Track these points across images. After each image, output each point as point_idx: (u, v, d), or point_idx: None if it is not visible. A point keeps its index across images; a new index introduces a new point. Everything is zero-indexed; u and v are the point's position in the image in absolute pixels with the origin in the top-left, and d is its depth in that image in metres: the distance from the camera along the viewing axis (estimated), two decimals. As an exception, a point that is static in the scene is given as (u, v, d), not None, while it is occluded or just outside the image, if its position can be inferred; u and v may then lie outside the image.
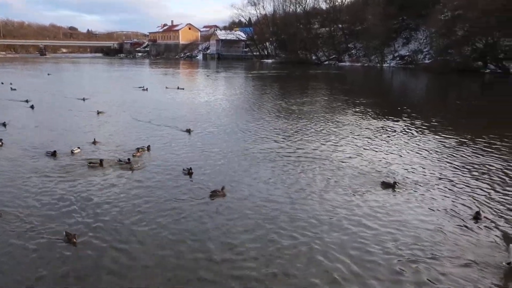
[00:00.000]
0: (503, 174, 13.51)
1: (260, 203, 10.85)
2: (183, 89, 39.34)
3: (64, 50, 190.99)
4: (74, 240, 8.68)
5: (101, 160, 14.00)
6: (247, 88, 44.63)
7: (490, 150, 16.62)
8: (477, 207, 10.58)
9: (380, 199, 11.20)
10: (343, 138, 18.61)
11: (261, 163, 14.43)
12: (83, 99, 30.34)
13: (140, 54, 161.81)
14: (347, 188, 11.98)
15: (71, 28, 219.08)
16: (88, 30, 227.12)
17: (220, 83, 50.26)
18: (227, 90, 41.33)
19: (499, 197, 11.41)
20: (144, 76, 61.33)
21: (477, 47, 64.85)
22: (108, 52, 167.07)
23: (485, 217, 9.95)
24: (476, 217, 9.79)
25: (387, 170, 13.71)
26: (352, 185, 12.24)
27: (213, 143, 17.30)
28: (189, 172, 12.88)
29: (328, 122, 22.51)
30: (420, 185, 12.31)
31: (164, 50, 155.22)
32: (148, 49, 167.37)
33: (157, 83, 43.45)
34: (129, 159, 14.20)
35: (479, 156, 15.73)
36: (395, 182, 11.95)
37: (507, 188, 12.14)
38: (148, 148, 16.02)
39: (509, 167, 14.22)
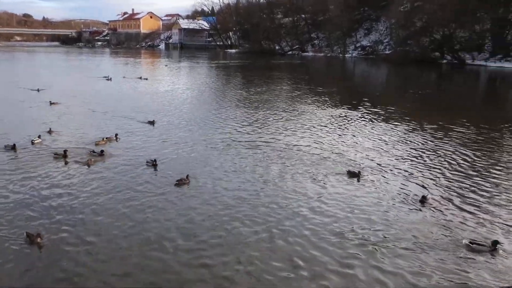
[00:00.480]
0: (452, 159, 14.28)
1: (222, 191, 11.05)
2: (146, 79, 38.73)
3: (18, 38, 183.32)
4: (38, 240, 8.17)
5: (65, 151, 13.63)
6: (210, 78, 44.54)
7: (443, 136, 17.47)
8: (425, 191, 11.17)
9: (338, 185, 11.63)
10: (302, 126, 19.01)
11: (223, 152, 14.61)
12: (37, 90, 29.34)
13: (99, 43, 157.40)
14: (306, 175, 12.36)
15: (25, 15, 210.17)
16: (43, 17, 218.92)
17: (183, 73, 49.86)
18: (190, 80, 41.11)
19: (448, 181, 12.09)
20: (104, 65, 59.86)
21: (435, 38, 67.09)
22: (66, 41, 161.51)
23: (432, 198, 10.54)
24: (423, 200, 10.35)
25: (344, 157, 14.19)
26: (311, 172, 12.63)
27: (176, 134, 17.30)
28: (153, 164, 12.84)
29: (289, 111, 22.88)
30: (375, 171, 12.85)
31: (125, 39, 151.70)
32: (108, 38, 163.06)
33: (119, 73, 42.54)
34: (102, 151, 13.95)
35: (432, 142, 16.52)
36: (359, 172, 12.24)
37: (456, 173, 12.87)
38: (116, 137, 15.97)
39: (458, 152, 15.03)
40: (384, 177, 12.41)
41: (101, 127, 18.15)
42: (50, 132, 16.70)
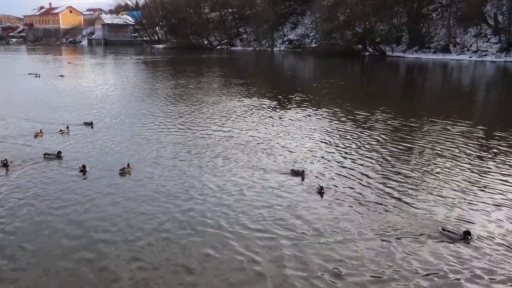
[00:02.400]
0: (370, 145, 14.91)
1: (159, 186, 10.70)
2: (62, 76, 37.14)
3: None
4: None
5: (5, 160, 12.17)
6: (137, 74, 43.18)
7: (365, 124, 18.19)
8: (320, 183, 11.21)
9: (269, 179, 11.67)
10: (232, 120, 18.96)
11: (154, 148, 14.16)
12: None
13: (14, 40, 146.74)
14: (228, 168, 12.28)
15: None
16: None
17: (109, 70, 47.88)
18: (119, 77, 39.54)
19: (364, 167, 12.59)
20: (22, 64, 56.00)
21: (357, 32, 69.96)
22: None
23: (327, 188, 10.77)
24: (320, 191, 10.45)
25: (260, 145, 14.32)
26: (231, 166, 12.58)
27: (117, 134, 16.38)
28: (82, 170, 11.82)
29: (216, 103, 22.73)
30: (297, 162, 13.07)
31: (43, 35, 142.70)
32: (24, 34, 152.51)
33: (41, 71, 39.80)
34: (59, 152, 12.99)
35: (353, 129, 17.15)
36: (303, 171, 11.79)
37: (380, 160, 13.44)
38: (68, 129, 16.13)
39: (376, 137, 15.73)
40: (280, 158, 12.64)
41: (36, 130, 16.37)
42: None
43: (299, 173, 11.73)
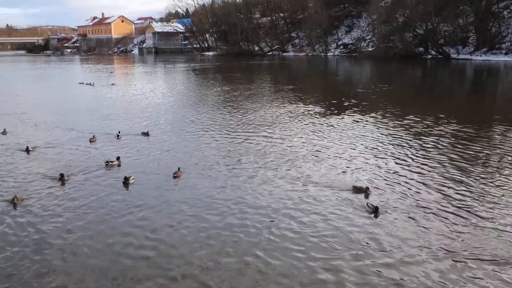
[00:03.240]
0: (432, 156, 14.19)
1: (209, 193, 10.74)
2: (113, 84, 38.97)
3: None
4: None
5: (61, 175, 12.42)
6: (188, 82, 44.27)
7: (427, 133, 17.41)
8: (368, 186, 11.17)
9: (326, 194, 11.38)
10: (283, 128, 18.78)
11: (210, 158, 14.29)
12: None
13: (69, 50, 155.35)
14: (285, 176, 12.08)
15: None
16: (7, 25, 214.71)
17: (159, 78, 49.32)
18: (168, 85, 40.57)
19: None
20: (76, 73, 59.03)
21: (418, 33, 67.97)
22: (32, 49, 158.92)
23: (385, 205, 10.30)
24: (373, 211, 9.74)
25: (324, 156, 14.00)
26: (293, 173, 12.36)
27: (168, 142, 16.69)
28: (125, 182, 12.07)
29: (272, 112, 22.62)
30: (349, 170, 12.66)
31: (95, 45, 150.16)
32: (77, 44, 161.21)
33: (93, 80, 41.84)
34: (118, 158, 13.86)
35: (424, 139, 16.45)
36: (367, 188, 11.04)
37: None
38: (120, 133, 17.25)
39: (439, 148, 14.97)
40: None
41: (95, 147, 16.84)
42: (27, 150, 15.23)
43: (362, 190, 10.96)
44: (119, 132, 17.68)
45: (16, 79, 50.29)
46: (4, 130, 18.78)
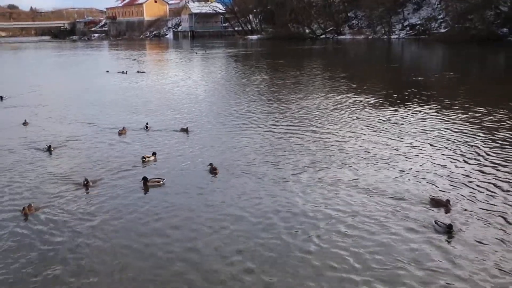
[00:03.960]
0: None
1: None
2: (143, 72, 40.43)
3: (2, 34, 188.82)
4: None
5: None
6: (228, 70, 44.87)
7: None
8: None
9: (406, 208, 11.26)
10: (338, 123, 18.68)
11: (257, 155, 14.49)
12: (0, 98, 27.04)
13: (96, 35, 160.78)
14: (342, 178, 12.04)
15: (11, 7, 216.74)
16: (31, 8, 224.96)
17: (196, 66, 50.22)
18: (207, 74, 41.10)
19: None
20: (104, 60, 61.10)
21: (501, 11, 65.48)
22: (57, 34, 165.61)
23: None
24: (448, 231, 9.03)
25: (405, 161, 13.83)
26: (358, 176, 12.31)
27: (206, 138, 17.00)
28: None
29: (327, 106, 22.47)
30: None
31: (126, 29, 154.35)
32: (106, 28, 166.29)
33: (124, 68, 43.16)
34: (154, 153, 14.47)
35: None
36: (448, 201, 10.34)
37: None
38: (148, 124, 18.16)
39: None
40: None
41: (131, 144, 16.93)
42: (49, 150, 15.66)
43: (441, 203, 10.31)
44: (148, 124, 18.64)
45: (40, 68, 52.76)
46: (25, 121, 20.00)
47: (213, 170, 12.92)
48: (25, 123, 19.72)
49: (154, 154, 14.56)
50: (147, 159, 14.18)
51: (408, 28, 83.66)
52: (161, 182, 12.32)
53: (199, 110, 22.56)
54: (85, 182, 12.27)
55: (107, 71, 41.98)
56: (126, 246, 9.00)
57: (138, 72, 40.89)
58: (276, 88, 29.14)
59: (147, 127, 18.44)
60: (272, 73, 38.39)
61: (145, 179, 12.20)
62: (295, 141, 16.13)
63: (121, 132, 17.65)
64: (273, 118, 20.15)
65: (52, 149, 15.62)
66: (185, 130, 18.04)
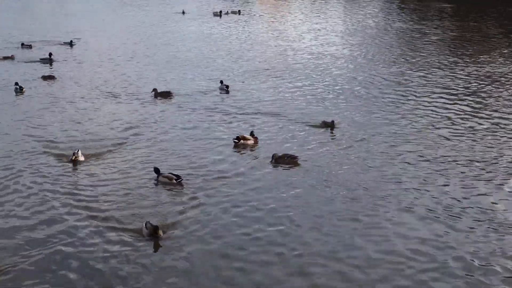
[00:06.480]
0: None
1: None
2: (239, 13, 33.50)
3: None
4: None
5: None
6: (395, 26, 34.43)
7: None
8: None
9: None
10: None
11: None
12: (70, 43, 24.91)
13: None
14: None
15: None
16: None
17: (337, 10, 40.63)
18: (353, 27, 31.76)
19: None
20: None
21: None
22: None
23: None
24: None
25: None
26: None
27: (354, 137, 14.66)
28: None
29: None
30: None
31: None
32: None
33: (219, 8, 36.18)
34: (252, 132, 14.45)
35: None
36: None
37: None
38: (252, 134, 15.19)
39: None
40: None
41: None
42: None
43: None
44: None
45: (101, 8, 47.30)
46: (71, 41, 20.67)
47: None
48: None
49: (252, 133, 14.76)
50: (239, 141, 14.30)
51: None
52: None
53: (343, 88, 19.01)
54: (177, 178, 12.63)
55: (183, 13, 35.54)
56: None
57: (238, 13, 33.25)
58: (482, 71, 22.00)
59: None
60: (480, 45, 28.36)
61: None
62: (500, 149, 13.66)
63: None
64: (459, 110, 16.24)
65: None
66: (330, 125, 15.46)
